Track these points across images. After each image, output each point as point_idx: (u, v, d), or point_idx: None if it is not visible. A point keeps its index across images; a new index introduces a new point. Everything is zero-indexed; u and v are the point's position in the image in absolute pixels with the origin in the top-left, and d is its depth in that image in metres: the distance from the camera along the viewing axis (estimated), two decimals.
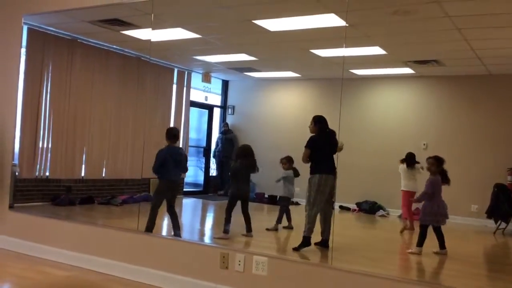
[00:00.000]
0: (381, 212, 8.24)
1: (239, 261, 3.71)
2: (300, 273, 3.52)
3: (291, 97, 10.03)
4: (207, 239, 5.94)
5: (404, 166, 6.79)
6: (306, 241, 4.89)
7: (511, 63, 7.35)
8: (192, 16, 5.94)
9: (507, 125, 7.72)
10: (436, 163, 5.33)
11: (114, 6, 5.22)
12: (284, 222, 6.16)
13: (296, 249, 4.75)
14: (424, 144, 8.15)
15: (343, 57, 5.92)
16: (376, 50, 6.93)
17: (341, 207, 7.89)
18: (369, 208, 8.13)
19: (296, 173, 6.27)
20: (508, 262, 5.64)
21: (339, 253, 4.84)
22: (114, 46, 7.93)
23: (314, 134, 5.25)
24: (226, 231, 5.44)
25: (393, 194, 7.14)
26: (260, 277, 3.62)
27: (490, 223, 6.73)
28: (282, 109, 9.90)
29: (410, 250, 5.28)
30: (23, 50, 5.63)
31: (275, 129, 9.67)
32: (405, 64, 7.80)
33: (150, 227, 4.91)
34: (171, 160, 5.33)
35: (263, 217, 8.13)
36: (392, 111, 8.80)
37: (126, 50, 8.10)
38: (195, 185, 10.37)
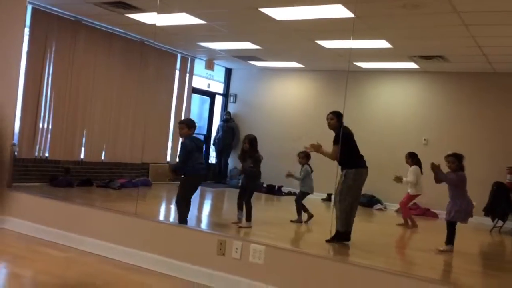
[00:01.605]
0: (378, 205, 8.26)
1: (236, 249, 3.71)
2: (297, 263, 3.52)
3: (294, 88, 9.99)
4: (204, 225, 5.95)
5: (417, 169, 6.66)
6: (344, 236, 4.94)
7: None
8: (198, 1, 5.89)
9: (508, 124, 7.71)
10: (457, 160, 5.31)
11: None
12: (293, 215, 6.08)
13: (330, 241, 4.83)
14: (424, 140, 8.14)
15: (350, 49, 5.89)
16: (382, 44, 6.89)
17: None
18: (367, 202, 8.14)
19: (311, 169, 6.24)
20: (504, 260, 5.65)
21: (337, 245, 4.85)
22: (118, 29, 7.88)
23: (344, 129, 5.10)
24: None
25: (391, 188, 7.13)
26: (257, 265, 3.62)
27: (488, 221, 6.73)
28: (284, 99, 9.87)
29: (441, 248, 5.21)
30: (26, 30, 5.59)
31: (277, 119, 9.64)
32: (410, 58, 7.76)
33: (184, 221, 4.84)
34: (196, 150, 4.99)
35: (261, 206, 8.14)
36: (395, 106, 8.78)
37: (130, 33, 8.05)
38: None
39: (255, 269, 3.63)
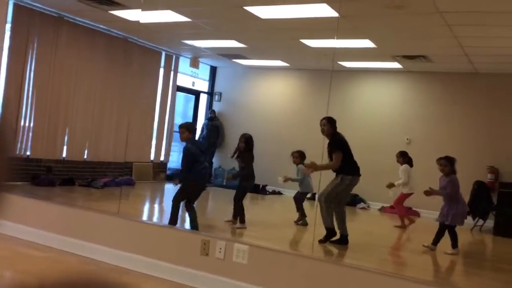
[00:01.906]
0: (362, 204, 8.31)
1: (220, 249, 3.69)
2: (281, 262, 3.52)
3: (279, 87, 9.99)
4: (188, 225, 5.91)
5: (408, 167, 6.64)
6: (332, 232, 4.97)
7: (499, 62, 7.42)
8: None
9: (490, 124, 7.81)
10: (449, 164, 5.31)
11: None
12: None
13: (323, 242, 4.86)
14: (407, 139, 8.21)
15: (334, 48, 5.91)
16: (366, 43, 6.92)
17: None
18: (351, 201, 8.16)
19: None
20: (485, 258, 5.74)
21: (322, 245, 4.87)
22: (101, 26, 7.78)
23: (338, 135, 5.11)
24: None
25: (374, 187, 7.17)
26: (240, 265, 3.61)
27: (469, 220, 6.80)
28: (269, 98, 9.86)
29: (450, 252, 5.19)
30: (8, 26, 5.49)
31: (261, 118, 9.63)
32: (394, 58, 7.81)
33: (174, 221, 4.80)
34: (200, 154, 4.86)
35: (245, 205, 8.12)
36: (378, 105, 8.83)
37: (113, 30, 7.96)
38: (178, 170, 10.31)
39: (239, 269, 3.62)
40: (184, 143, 4.95)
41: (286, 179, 6.10)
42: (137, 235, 4.15)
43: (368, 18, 5.90)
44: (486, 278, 4.88)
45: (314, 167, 5.15)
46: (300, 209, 6.01)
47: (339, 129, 5.17)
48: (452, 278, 4.78)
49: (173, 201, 4.86)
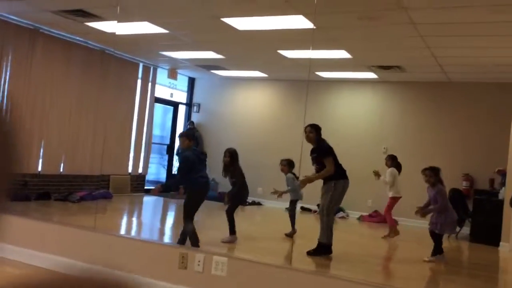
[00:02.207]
0: (341, 213, 8.35)
1: (199, 261, 3.67)
2: (260, 274, 3.51)
3: (258, 97, 10.03)
4: (167, 238, 5.86)
5: (395, 170, 6.70)
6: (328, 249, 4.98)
7: (470, 71, 7.60)
8: (160, 10, 5.85)
9: (463, 131, 7.98)
10: (434, 174, 5.37)
11: None
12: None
13: (312, 254, 4.85)
14: (384, 148, 8.31)
15: (310, 59, 5.97)
16: (342, 54, 7.02)
17: (302, 208, 7.93)
18: None
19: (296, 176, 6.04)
20: (461, 265, 5.82)
21: (302, 255, 4.87)
22: (78, 38, 7.72)
23: (324, 141, 5.17)
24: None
25: (352, 196, 7.21)
26: (219, 278, 3.59)
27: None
28: (248, 108, 9.89)
29: (428, 259, 5.27)
30: None
31: (240, 128, 9.65)
32: (369, 68, 7.93)
33: (195, 242, 4.56)
34: (198, 163, 4.78)
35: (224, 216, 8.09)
36: (355, 114, 8.94)
37: (89, 42, 7.89)
38: (157, 182, 10.21)
39: (218, 282, 3.60)
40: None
41: (279, 194, 5.96)
42: (114, 250, 4.09)
43: (344, 29, 5.99)
44: (462, 284, 4.96)
45: (310, 180, 5.18)
46: (293, 218, 5.93)
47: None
48: (427, 285, 4.83)
49: (184, 220, 4.65)
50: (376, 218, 8.10)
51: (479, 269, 5.74)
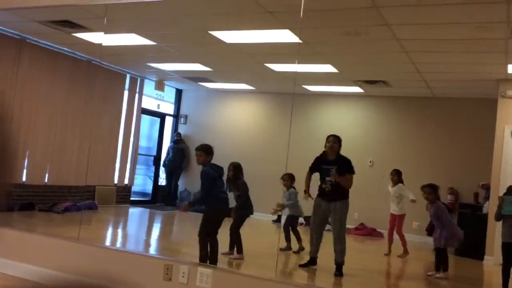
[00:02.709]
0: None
1: (183, 273, 3.65)
2: (244, 286, 3.51)
3: (245, 110, 10.07)
4: (152, 250, 5.82)
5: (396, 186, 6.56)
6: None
7: (454, 86, 7.73)
8: (147, 22, 5.88)
9: (448, 146, 8.08)
10: (434, 191, 5.42)
11: (66, 7, 5.08)
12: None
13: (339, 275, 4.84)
14: (370, 162, 8.38)
15: (295, 73, 6.04)
16: (328, 68, 7.10)
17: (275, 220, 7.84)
18: None
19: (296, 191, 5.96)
20: (445, 279, 5.84)
21: (288, 268, 4.86)
22: (65, 48, 7.71)
23: (343, 156, 5.09)
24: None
25: None
26: None
27: (430, 240, 6.95)
28: (235, 121, 9.92)
29: (439, 275, 5.31)
30: None
31: (227, 141, 9.65)
32: (355, 83, 8.03)
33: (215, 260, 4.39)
34: (218, 178, 4.59)
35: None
36: (341, 128, 8.97)
37: (76, 53, 7.89)
38: (143, 194, 10.17)
39: None
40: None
41: (279, 207, 5.89)
42: (98, 261, 4.06)
43: (330, 44, 6.07)
44: None
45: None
46: (290, 234, 5.82)
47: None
48: None
49: (199, 235, 4.45)
50: (362, 231, 8.14)
51: (463, 282, 5.79)
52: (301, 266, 5.08)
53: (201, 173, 4.49)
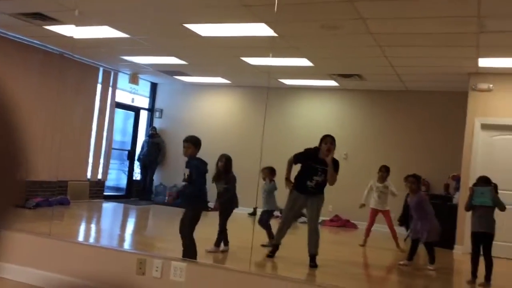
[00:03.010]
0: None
1: (157, 267, 3.64)
2: (219, 279, 3.51)
3: (221, 103, 10.04)
4: (126, 245, 5.77)
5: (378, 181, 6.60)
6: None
7: (426, 80, 7.86)
8: (120, 14, 5.80)
9: (420, 138, 8.23)
10: (417, 181, 5.49)
11: None
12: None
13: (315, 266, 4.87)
14: (344, 154, 8.47)
15: (269, 66, 6.05)
16: (304, 62, 7.13)
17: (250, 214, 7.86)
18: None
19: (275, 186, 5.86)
20: (416, 267, 5.97)
21: (263, 260, 4.89)
22: (36, 41, 7.53)
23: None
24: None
25: None
26: (178, 283, 3.57)
27: (402, 230, 7.08)
28: (211, 114, 9.88)
29: (430, 267, 5.36)
30: None
31: (203, 135, 9.48)
32: (330, 76, 8.08)
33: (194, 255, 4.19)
34: (205, 175, 4.47)
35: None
36: (316, 121, 9.06)
37: (48, 45, 7.72)
38: (117, 189, 10.05)
39: (176, 287, 3.58)
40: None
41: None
42: (70, 257, 4.00)
43: (305, 38, 6.09)
44: (418, 286, 5.10)
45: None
46: (268, 230, 5.74)
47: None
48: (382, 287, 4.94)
49: (186, 233, 4.25)
50: (337, 222, 8.24)
51: (434, 271, 5.91)
52: (270, 256, 5.10)
53: (193, 166, 4.32)
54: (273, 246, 5.13)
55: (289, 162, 5.13)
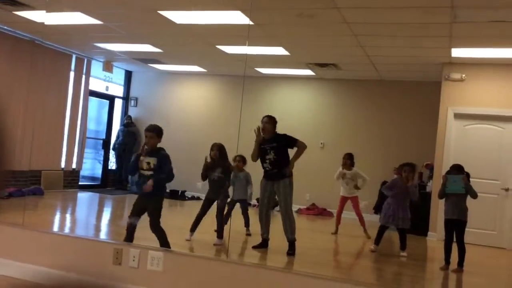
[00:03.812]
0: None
1: (134, 257, 3.61)
2: (196, 268, 3.52)
3: (197, 92, 9.96)
4: (103, 234, 5.71)
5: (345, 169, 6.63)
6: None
7: (400, 70, 7.96)
8: (93, 0, 5.67)
9: (394, 127, 8.35)
10: (413, 170, 5.60)
11: None
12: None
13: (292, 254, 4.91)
14: (321, 143, 8.54)
15: (246, 55, 6.02)
16: (280, 51, 7.12)
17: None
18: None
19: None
20: (390, 254, 6.09)
21: (240, 249, 4.91)
22: (5, 27, 7.31)
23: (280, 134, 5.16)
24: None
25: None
26: (156, 273, 3.55)
27: (377, 218, 7.20)
28: (187, 103, 9.80)
29: (402, 254, 5.49)
30: None
31: (179, 124, 9.54)
32: (307, 66, 8.10)
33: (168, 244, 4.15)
34: None
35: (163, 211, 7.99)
36: (292, 110, 9.09)
37: (18, 32, 7.50)
38: (92, 178, 9.91)
39: (154, 277, 3.57)
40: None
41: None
42: (44, 247, 3.94)
43: (280, 26, 6.08)
44: (391, 273, 5.20)
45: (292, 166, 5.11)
46: (247, 216, 5.75)
47: (253, 133, 5.24)
48: (361, 275, 5.02)
49: (157, 226, 4.19)
50: (313, 211, 8.32)
51: (408, 258, 6.03)
52: (254, 247, 5.13)
53: (164, 156, 4.26)
54: (262, 239, 5.13)
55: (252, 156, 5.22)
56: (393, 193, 5.59)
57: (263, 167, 5.12)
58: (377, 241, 5.61)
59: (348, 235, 6.79)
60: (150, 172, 4.21)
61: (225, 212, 5.33)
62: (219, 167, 5.20)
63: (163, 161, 4.25)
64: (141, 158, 4.25)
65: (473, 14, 4.90)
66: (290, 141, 5.12)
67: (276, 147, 5.05)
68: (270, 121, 5.14)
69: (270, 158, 5.03)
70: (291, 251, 4.94)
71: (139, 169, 4.25)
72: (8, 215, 5.84)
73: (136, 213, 4.29)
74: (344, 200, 6.70)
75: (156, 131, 4.32)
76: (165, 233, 4.18)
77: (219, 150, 5.21)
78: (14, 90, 7.67)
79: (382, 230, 5.62)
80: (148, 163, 4.22)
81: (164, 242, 4.11)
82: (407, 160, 7.99)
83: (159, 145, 4.32)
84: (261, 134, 5.09)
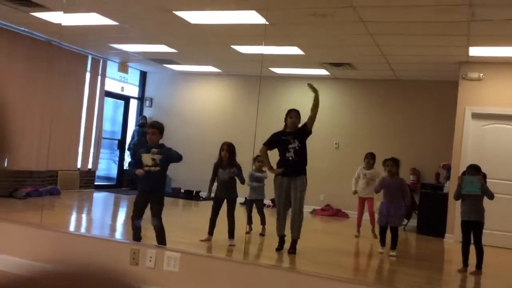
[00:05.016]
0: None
1: (150, 257, 3.62)
2: (212, 268, 3.51)
3: (211, 92, 9.98)
4: (118, 234, 5.74)
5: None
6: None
7: (417, 69, 7.87)
8: (109, 1, 5.70)
9: (411, 127, 8.26)
10: (396, 165, 5.55)
11: None
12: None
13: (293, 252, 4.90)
14: (336, 143, 8.49)
15: (262, 55, 6.01)
16: (295, 50, 7.09)
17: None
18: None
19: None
20: (408, 256, 6.04)
21: (257, 250, 4.89)
22: (22, 28, 7.40)
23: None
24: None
25: (306, 191, 7.30)
26: (172, 273, 3.56)
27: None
28: (201, 103, 9.83)
29: (391, 253, 5.43)
30: None
31: (194, 124, 9.57)
32: (321, 65, 8.06)
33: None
34: None
35: (178, 211, 8.03)
36: (307, 110, 9.04)
37: (35, 33, 7.59)
38: (107, 178, 9.99)
39: (170, 278, 3.57)
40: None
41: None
42: (62, 247, 3.97)
43: (296, 26, 6.05)
44: (409, 275, 5.14)
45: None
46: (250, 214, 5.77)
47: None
48: (376, 276, 4.98)
49: (160, 222, 4.27)
50: (328, 211, 8.27)
51: (425, 260, 5.97)
52: (278, 250, 5.05)
53: (168, 149, 4.30)
54: (279, 238, 5.10)
55: (262, 151, 5.19)
56: (384, 192, 5.54)
57: (285, 158, 5.03)
58: (382, 242, 5.55)
59: (366, 237, 6.72)
60: (157, 168, 4.22)
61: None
62: (229, 167, 5.19)
63: (168, 154, 4.27)
64: (144, 155, 4.25)
65: (491, 12, 4.82)
66: (304, 125, 5.19)
67: (299, 137, 5.09)
68: (298, 115, 5.23)
69: (295, 147, 5.02)
70: (292, 250, 4.92)
71: (143, 166, 4.24)
72: (25, 215, 5.92)
73: (139, 213, 4.35)
74: (362, 201, 6.62)
75: (158, 127, 4.34)
76: (164, 231, 4.21)
77: (229, 149, 5.20)
78: (31, 92, 7.76)
79: (382, 230, 5.56)
80: (154, 159, 4.21)
81: (161, 239, 4.15)
82: (424, 161, 7.94)
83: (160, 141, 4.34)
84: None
